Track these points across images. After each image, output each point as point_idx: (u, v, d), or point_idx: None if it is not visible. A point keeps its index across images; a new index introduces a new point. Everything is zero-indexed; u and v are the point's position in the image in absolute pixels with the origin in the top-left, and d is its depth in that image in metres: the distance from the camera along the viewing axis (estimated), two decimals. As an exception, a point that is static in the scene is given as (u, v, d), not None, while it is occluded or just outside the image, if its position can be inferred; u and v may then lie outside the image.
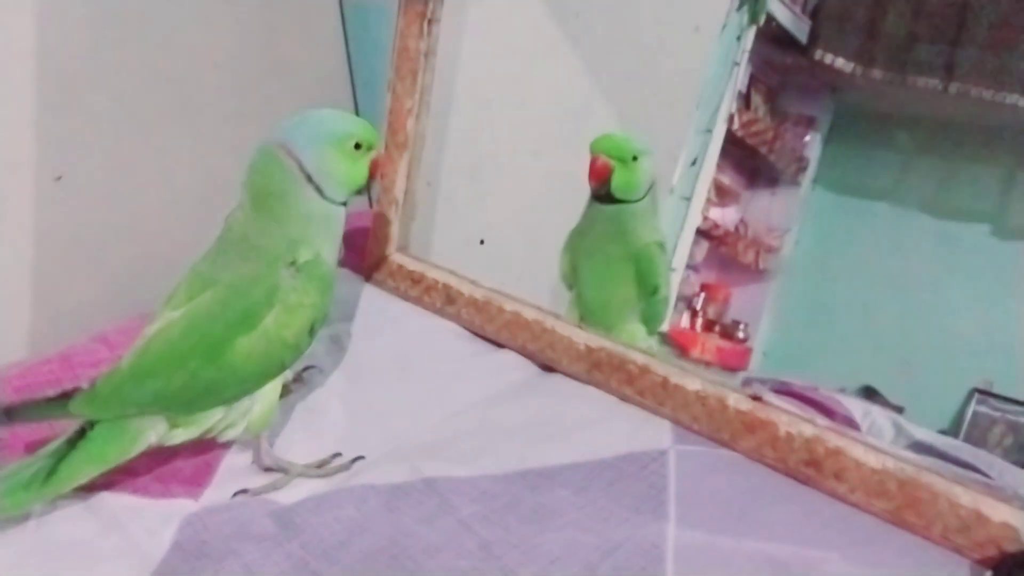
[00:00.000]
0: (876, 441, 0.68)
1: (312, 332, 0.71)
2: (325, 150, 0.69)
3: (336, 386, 0.85)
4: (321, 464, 0.75)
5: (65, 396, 0.67)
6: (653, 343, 0.89)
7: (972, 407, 1.31)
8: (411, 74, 0.91)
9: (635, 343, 0.84)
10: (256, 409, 0.72)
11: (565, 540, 0.62)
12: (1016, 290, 1.31)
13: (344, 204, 0.72)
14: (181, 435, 0.71)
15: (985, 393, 1.31)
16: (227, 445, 0.78)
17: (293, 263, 0.68)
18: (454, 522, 0.65)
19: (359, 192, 0.74)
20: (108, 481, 0.72)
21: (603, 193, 0.84)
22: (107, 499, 0.72)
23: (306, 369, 0.86)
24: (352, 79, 1.23)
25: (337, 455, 0.76)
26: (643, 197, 0.84)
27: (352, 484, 0.71)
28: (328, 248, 0.71)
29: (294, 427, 0.80)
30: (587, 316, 0.89)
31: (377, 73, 1.09)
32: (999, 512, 0.57)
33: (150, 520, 0.69)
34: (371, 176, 0.73)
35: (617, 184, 0.83)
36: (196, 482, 0.74)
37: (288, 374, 0.75)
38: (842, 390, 1.19)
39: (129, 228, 1.01)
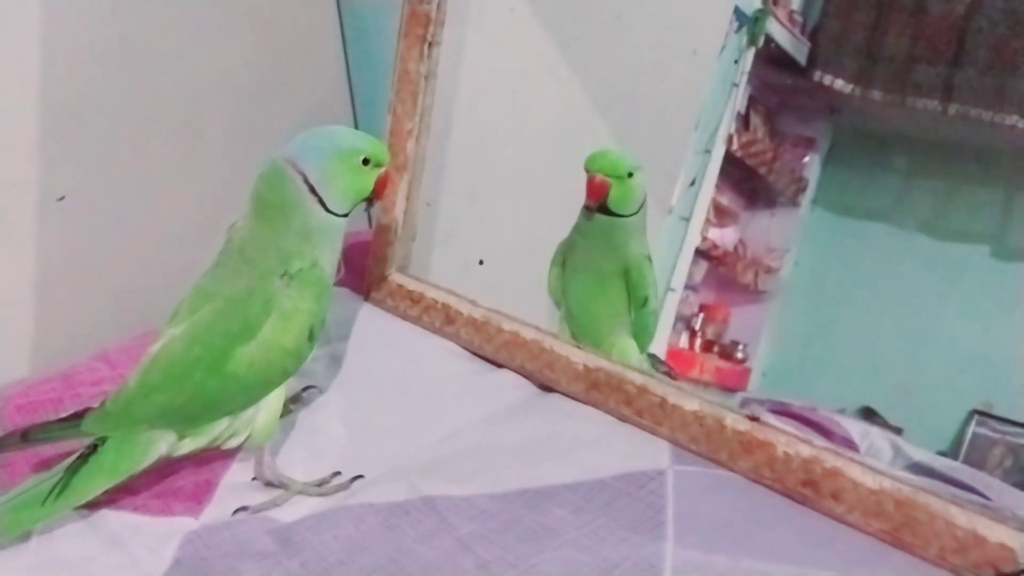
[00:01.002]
0: (873, 461, 0.69)
1: (312, 338, 0.72)
2: (330, 162, 0.70)
3: (335, 405, 0.85)
4: (321, 483, 0.76)
5: (77, 416, 0.69)
6: (645, 363, 0.90)
7: (972, 428, 1.31)
8: (411, 96, 0.92)
9: (627, 359, 0.84)
10: (260, 418, 0.73)
11: (563, 559, 0.62)
12: (1016, 311, 1.30)
13: (345, 216, 0.74)
14: (189, 445, 0.72)
15: (985, 414, 1.30)
16: (228, 463, 0.79)
17: (285, 273, 0.70)
18: (452, 541, 0.65)
19: (366, 202, 0.76)
20: (109, 499, 0.72)
21: (599, 209, 0.84)
22: (108, 517, 0.72)
23: (306, 389, 0.86)
24: (353, 100, 1.24)
25: (337, 474, 0.76)
26: (637, 212, 0.85)
27: (351, 503, 0.71)
28: (325, 258, 0.72)
29: (294, 445, 0.81)
30: (577, 331, 0.89)
31: (378, 94, 1.10)
32: (996, 533, 0.57)
33: (151, 538, 0.70)
34: (378, 193, 0.75)
35: (614, 200, 0.83)
36: (196, 500, 0.74)
37: (292, 382, 0.76)
38: (841, 411, 1.19)
39: (131, 247, 1.02)
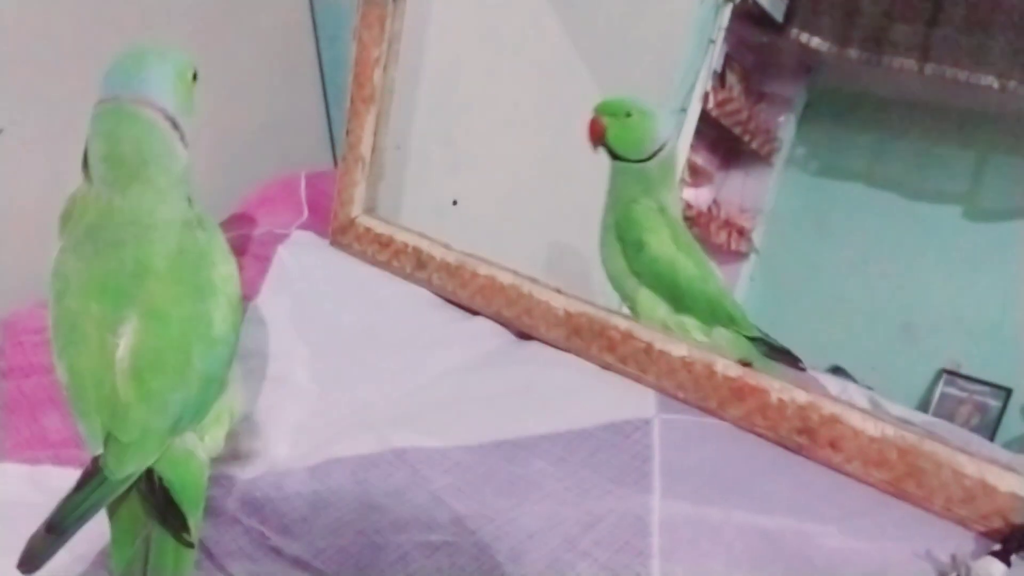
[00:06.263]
0: (873, 409, 0.66)
1: None
2: (178, 87, 0.61)
3: (300, 354, 0.80)
4: None
5: (87, 477, 0.55)
6: (727, 340, 0.81)
7: (940, 388, 1.33)
8: (378, 21, 0.86)
9: (651, 315, 0.79)
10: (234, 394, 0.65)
11: (543, 513, 0.59)
12: (986, 271, 1.34)
13: None
14: (212, 447, 0.61)
15: (953, 374, 1.33)
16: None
17: (193, 222, 0.61)
18: (425, 495, 0.62)
19: None
20: (54, 455, 0.69)
21: (607, 151, 0.83)
22: (51, 473, 0.69)
23: None
24: (316, 33, 1.17)
25: None
26: (648, 158, 0.82)
27: (316, 459, 0.68)
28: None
29: (259, 404, 0.75)
30: (616, 292, 0.85)
31: (345, 28, 1.04)
32: (1006, 482, 0.55)
33: None
34: None
35: (614, 139, 0.82)
36: None
37: None
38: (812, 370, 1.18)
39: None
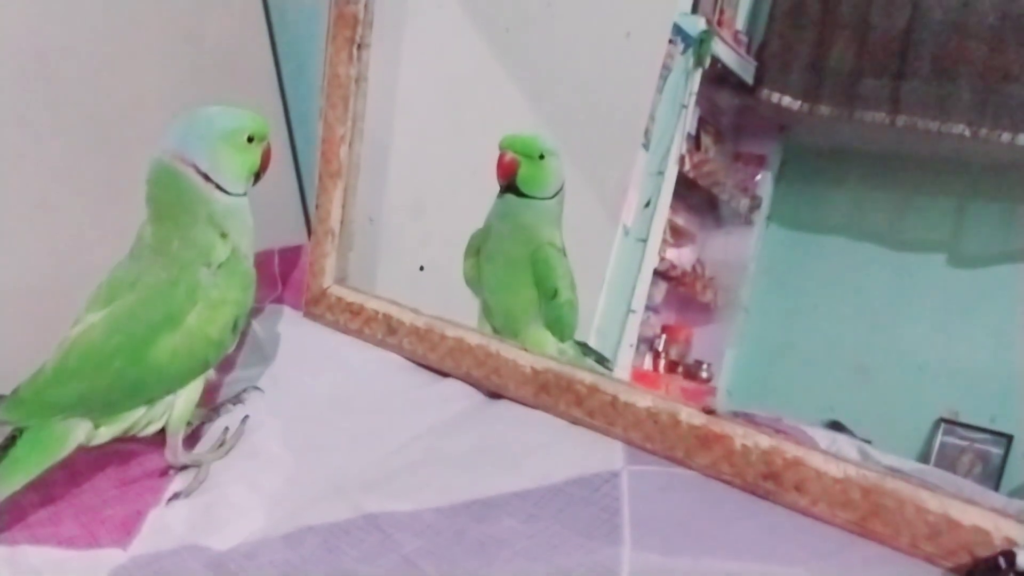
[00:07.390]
0: (863, 460, 0.65)
1: (235, 329, 0.73)
2: (218, 147, 0.71)
3: (273, 427, 0.80)
4: (222, 443, 0.78)
5: None
6: (571, 350, 0.88)
7: (939, 437, 1.31)
8: (342, 101, 0.90)
9: (542, 349, 0.82)
10: (178, 405, 0.73)
11: (513, 571, 0.58)
12: (974, 317, 1.31)
13: (245, 194, 0.74)
14: (105, 434, 0.71)
15: (951, 423, 1.30)
16: (158, 493, 0.74)
17: (209, 263, 0.70)
18: (397, 559, 0.62)
19: (254, 177, 0.76)
20: (30, 534, 0.69)
21: (510, 189, 0.84)
22: (28, 553, 0.68)
23: (245, 390, 0.84)
24: (287, 114, 1.20)
25: (226, 429, 0.79)
26: (551, 197, 0.85)
27: (289, 527, 0.68)
28: (243, 241, 0.73)
29: (230, 469, 0.76)
30: (495, 323, 0.88)
31: (313, 107, 1.07)
32: (969, 515, 0.54)
33: (75, 573, 0.66)
34: (264, 166, 0.76)
35: (524, 179, 0.83)
36: (125, 530, 0.70)
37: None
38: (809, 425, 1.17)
39: (51, 270, 0.97)
